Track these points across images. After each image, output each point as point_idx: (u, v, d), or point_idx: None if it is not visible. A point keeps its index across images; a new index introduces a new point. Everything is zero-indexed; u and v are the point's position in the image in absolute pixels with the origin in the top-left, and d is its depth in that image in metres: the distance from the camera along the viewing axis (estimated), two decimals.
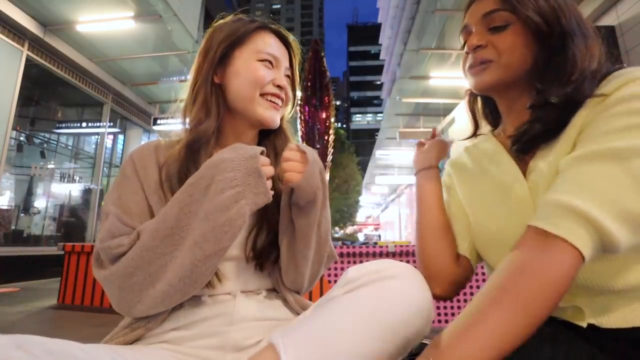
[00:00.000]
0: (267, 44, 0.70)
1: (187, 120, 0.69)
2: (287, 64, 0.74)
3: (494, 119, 0.72)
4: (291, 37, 0.75)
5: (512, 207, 0.57)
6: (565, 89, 0.52)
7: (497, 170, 0.61)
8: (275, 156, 0.75)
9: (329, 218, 0.69)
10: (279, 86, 0.70)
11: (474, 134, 0.73)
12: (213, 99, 0.69)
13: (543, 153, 0.54)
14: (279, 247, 0.67)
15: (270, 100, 0.70)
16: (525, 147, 0.56)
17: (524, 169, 0.57)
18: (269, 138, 0.77)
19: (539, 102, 0.54)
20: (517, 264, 0.43)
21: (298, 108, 3.37)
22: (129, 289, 0.53)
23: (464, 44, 0.63)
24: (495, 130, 0.70)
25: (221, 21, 0.74)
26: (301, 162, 0.61)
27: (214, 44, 0.70)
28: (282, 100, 0.72)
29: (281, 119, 0.75)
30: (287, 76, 0.74)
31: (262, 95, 0.69)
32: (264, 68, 0.69)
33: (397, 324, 0.46)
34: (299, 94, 0.83)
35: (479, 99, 0.73)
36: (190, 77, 0.72)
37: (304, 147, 0.63)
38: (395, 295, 0.48)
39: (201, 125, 0.66)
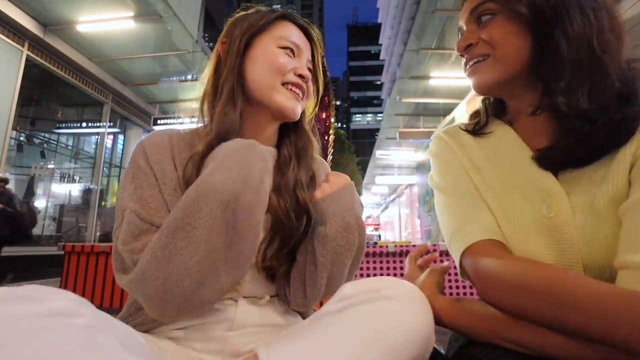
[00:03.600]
0: (289, 32, 0.67)
1: (206, 116, 0.67)
2: (309, 56, 0.69)
3: (497, 109, 0.63)
4: (315, 30, 0.71)
5: (539, 223, 0.50)
6: (583, 88, 0.46)
7: (519, 175, 0.53)
8: (297, 158, 0.68)
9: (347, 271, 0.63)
10: (300, 75, 0.65)
11: (484, 126, 0.61)
12: (239, 90, 0.64)
13: (582, 174, 0.49)
14: (294, 260, 0.63)
15: (292, 90, 0.65)
16: (556, 167, 0.50)
17: None
18: (290, 137, 0.71)
19: (545, 103, 0.49)
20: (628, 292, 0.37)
21: None
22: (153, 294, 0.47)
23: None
24: (504, 119, 0.60)
25: (242, 12, 0.70)
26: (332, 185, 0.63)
27: (237, 34, 0.66)
28: (303, 92, 0.67)
29: (302, 119, 0.71)
30: (309, 69, 0.69)
31: (283, 84, 0.65)
32: (285, 56, 0.65)
33: (392, 351, 0.42)
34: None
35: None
36: (207, 72, 0.70)
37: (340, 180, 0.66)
38: (392, 319, 0.43)
39: (227, 118, 0.62)
